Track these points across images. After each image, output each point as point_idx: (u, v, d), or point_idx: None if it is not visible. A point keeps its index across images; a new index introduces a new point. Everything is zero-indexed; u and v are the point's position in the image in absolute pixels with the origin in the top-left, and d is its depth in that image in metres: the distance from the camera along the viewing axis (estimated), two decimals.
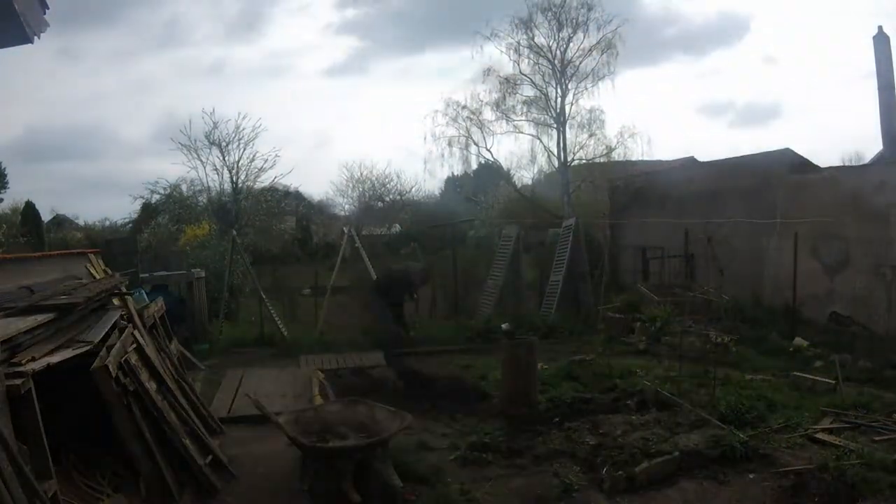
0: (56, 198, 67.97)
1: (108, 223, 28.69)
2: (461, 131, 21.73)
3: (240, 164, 22.32)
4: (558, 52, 20.71)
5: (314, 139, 54.51)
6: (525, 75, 21.07)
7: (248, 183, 22.73)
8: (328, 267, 15.15)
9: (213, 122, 21.54)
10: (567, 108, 20.98)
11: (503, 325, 11.20)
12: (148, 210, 23.68)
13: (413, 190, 35.18)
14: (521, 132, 21.74)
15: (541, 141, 21.59)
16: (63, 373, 4.36)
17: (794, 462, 5.36)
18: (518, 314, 12.69)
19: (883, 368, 8.30)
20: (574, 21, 20.45)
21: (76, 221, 32.90)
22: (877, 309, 10.16)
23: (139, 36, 51.49)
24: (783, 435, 6.04)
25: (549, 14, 20.56)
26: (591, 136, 21.13)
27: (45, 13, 3.94)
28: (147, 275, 11.97)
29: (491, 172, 29.33)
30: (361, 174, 34.13)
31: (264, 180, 22.96)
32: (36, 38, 3.94)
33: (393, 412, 5.59)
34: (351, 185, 34.52)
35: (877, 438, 5.89)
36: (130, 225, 25.09)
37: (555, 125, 21.12)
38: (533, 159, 22.21)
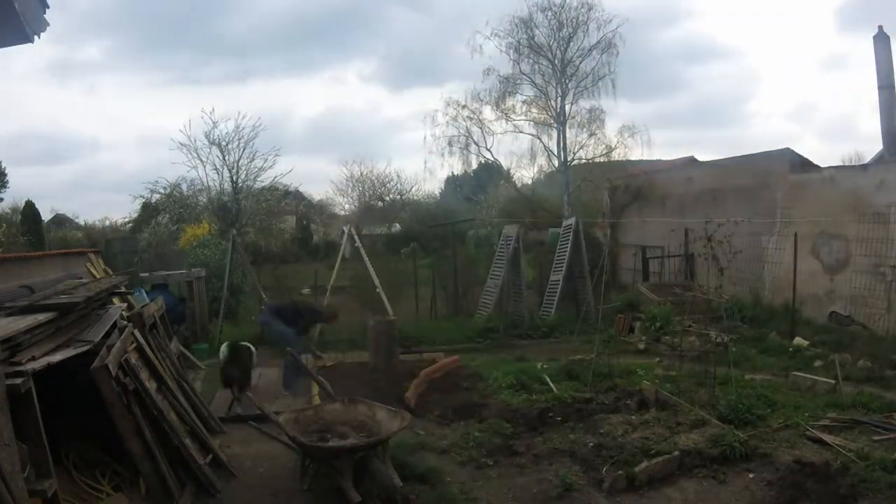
0: None
1: (108, 223, 28.76)
2: (461, 131, 21.77)
3: (240, 164, 22.36)
4: (558, 51, 20.71)
5: None
6: (525, 75, 21.09)
7: (248, 182, 22.77)
8: (328, 266, 15.15)
9: (213, 122, 21.60)
10: (567, 107, 21.00)
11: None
12: (148, 209, 23.70)
13: (413, 189, 35.25)
14: (521, 132, 21.77)
15: (541, 140, 21.61)
16: (63, 372, 4.36)
17: (793, 462, 5.36)
18: (518, 314, 12.69)
19: (883, 368, 8.29)
20: (574, 21, 20.47)
21: (76, 221, 32.93)
22: (877, 309, 10.16)
23: None
24: (783, 434, 6.04)
25: (549, 13, 20.58)
26: (591, 135, 21.16)
27: (45, 13, 3.93)
28: (147, 274, 11.98)
29: (491, 172, 29.39)
30: (361, 174, 34.23)
31: (264, 180, 23.00)
32: (36, 37, 3.93)
33: (393, 411, 5.59)
34: (351, 184, 34.61)
35: (876, 438, 5.88)
36: (130, 224, 25.11)
37: (555, 125, 21.12)
38: (533, 159, 22.23)
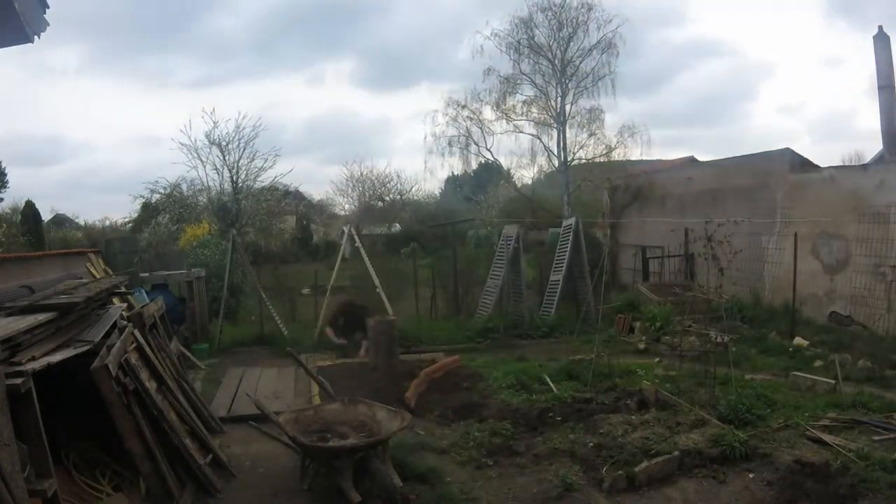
0: None
1: (108, 223, 28.75)
2: (461, 131, 21.77)
3: (240, 164, 22.36)
4: (558, 51, 20.71)
5: None
6: (525, 75, 21.09)
7: (248, 182, 22.77)
8: (328, 266, 15.15)
9: (213, 122, 21.61)
10: (567, 107, 21.01)
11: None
12: (148, 209, 23.71)
13: (413, 189, 35.24)
14: (522, 132, 21.77)
15: (541, 140, 21.61)
16: (63, 372, 4.36)
17: (793, 462, 5.36)
18: (518, 314, 12.69)
19: (883, 368, 8.29)
20: (574, 21, 20.46)
21: (76, 221, 32.92)
22: (877, 309, 10.16)
23: None
24: (783, 434, 6.05)
25: (549, 13, 20.58)
26: (591, 135, 21.16)
27: (45, 13, 3.94)
28: (147, 274, 11.98)
29: (491, 172, 29.39)
30: (361, 174, 34.24)
31: (264, 180, 23.01)
32: (36, 37, 3.93)
33: (393, 411, 5.59)
34: (351, 184, 34.62)
35: (876, 438, 5.89)
36: (130, 224, 25.12)
37: (555, 125, 21.12)
38: (533, 159, 22.21)
